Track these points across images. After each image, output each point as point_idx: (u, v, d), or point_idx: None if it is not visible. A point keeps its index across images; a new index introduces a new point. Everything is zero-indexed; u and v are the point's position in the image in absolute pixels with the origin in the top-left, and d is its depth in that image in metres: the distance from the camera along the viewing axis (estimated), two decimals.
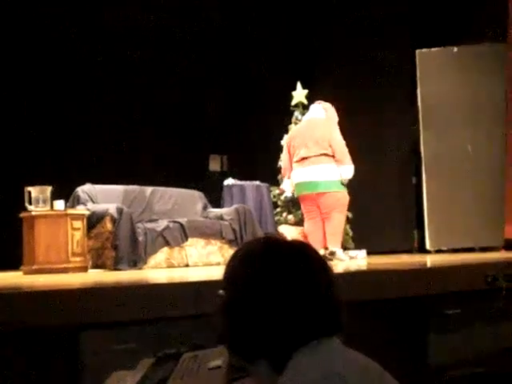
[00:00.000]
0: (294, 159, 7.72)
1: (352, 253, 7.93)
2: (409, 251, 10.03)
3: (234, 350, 1.68)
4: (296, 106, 10.14)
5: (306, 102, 9.95)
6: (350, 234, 9.65)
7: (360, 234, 9.60)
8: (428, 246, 9.79)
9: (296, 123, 10.07)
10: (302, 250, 1.65)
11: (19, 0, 8.66)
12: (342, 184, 7.61)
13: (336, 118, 7.82)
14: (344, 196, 7.67)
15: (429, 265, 6.78)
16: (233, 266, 1.66)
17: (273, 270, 1.58)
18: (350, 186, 8.03)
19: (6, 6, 8.38)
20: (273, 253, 1.61)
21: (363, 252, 8.00)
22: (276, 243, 1.66)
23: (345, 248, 8.15)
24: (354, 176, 7.83)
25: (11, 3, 8.50)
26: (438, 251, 9.61)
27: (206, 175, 10.71)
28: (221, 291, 1.64)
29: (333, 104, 7.93)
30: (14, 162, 8.69)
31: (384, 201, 10.23)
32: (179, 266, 8.12)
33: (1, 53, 8.74)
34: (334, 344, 1.58)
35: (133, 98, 7.61)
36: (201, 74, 9.76)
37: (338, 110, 7.90)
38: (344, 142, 7.61)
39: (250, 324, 1.58)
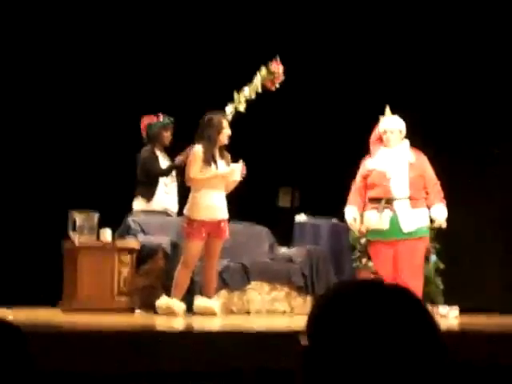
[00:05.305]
0: None
1: (443, 310, 7.82)
2: (507, 311, 9.84)
3: None
4: None
5: None
6: (441, 287, 9.51)
7: (451, 288, 9.47)
8: None
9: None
10: (403, 295, 1.57)
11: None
12: None
13: None
14: None
15: None
16: (319, 311, 1.56)
17: (368, 319, 1.50)
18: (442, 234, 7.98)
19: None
20: (369, 298, 1.54)
21: (455, 309, 7.89)
22: (372, 287, 1.58)
23: (433, 303, 8.05)
24: (448, 225, 7.81)
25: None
26: None
27: (274, 210, 10.69)
28: (303, 340, 1.54)
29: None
30: (60, 185, 8.83)
31: (480, 254, 10.13)
32: (239, 313, 8.11)
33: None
34: None
35: (191, 125, 7.78)
36: (273, 101, 9.85)
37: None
38: None
39: (337, 382, 1.49)
